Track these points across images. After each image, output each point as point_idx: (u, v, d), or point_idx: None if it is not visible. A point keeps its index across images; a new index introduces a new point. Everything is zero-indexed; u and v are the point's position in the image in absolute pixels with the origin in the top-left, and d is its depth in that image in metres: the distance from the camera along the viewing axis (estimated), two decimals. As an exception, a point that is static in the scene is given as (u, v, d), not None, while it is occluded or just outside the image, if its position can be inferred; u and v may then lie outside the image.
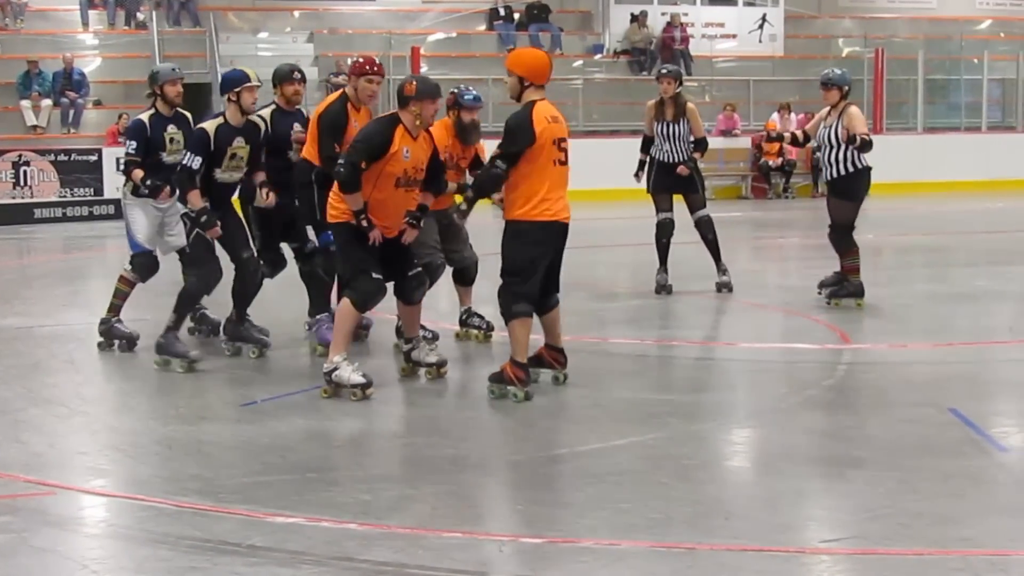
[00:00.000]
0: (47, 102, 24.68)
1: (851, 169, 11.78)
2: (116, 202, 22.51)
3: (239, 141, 9.63)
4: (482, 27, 30.19)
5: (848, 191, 11.92)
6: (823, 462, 7.26)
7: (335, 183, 8.54)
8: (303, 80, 10.31)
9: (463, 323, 10.59)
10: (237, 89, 9.58)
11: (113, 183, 23.06)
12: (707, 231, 12.83)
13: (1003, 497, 6.61)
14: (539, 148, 8.32)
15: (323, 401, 8.48)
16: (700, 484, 6.72)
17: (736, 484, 6.93)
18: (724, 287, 12.86)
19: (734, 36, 30.76)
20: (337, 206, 8.56)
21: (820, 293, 12.26)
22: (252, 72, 9.75)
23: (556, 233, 8.49)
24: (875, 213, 18.16)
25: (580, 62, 29.57)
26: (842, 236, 12.08)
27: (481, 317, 10.48)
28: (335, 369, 8.48)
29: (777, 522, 6.17)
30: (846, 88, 11.87)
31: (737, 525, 6.09)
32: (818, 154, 26.16)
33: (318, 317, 10.08)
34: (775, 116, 26.87)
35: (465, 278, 10.54)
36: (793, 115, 27.41)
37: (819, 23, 32.93)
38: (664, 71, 12.91)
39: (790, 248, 18.20)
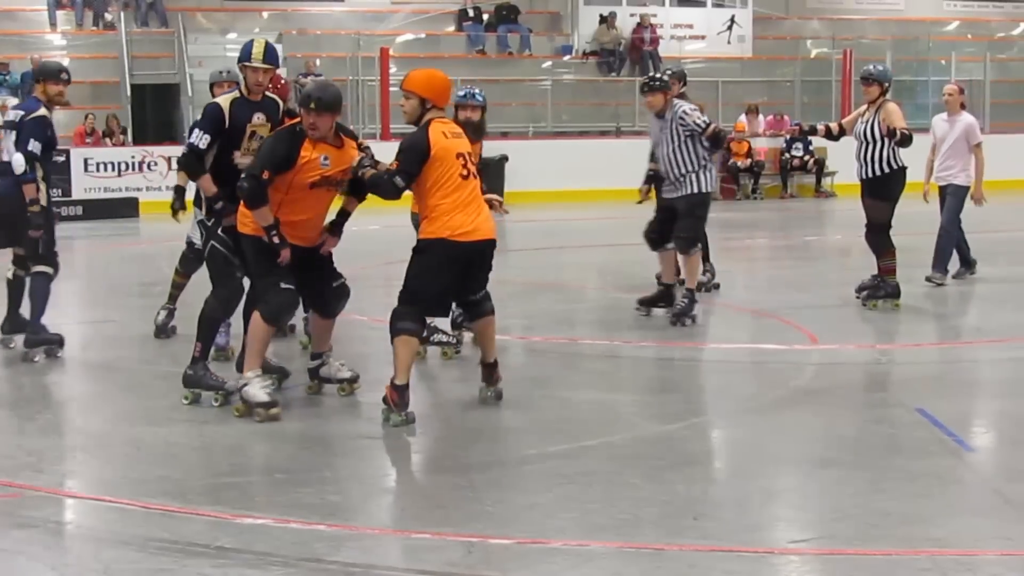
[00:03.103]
0: (15, 102, 24.52)
1: (887, 169, 11.80)
2: (84, 203, 22.53)
3: (259, 118, 8.52)
4: (451, 28, 30.19)
5: (885, 191, 11.93)
6: (792, 462, 7.28)
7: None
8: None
9: (430, 341, 9.98)
10: (240, 65, 8.56)
11: (81, 184, 23.03)
12: None
13: (970, 497, 6.64)
14: (437, 162, 7.85)
15: (293, 401, 8.45)
16: (669, 485, 6.73)
17: (705, 485, 6.93)
18: (702, 286, 12.91)
19: (703, 37, 30.82)
20: (248, 214, 8.08)
21: (858, 296, 12.25)
22: (260, 45, 8.53)
23: (467, 254, 7.98)
24: (843, 213, 18.23)
25: (549, 63, 29.60)
26: (879, 237, 12.07)
27: (446, 332, 10.05)
28: (246, 385, 8.04)
29: (746, 522, 6.18)
30: (887, 84, 11.89)
31: (706, 525, 6.10)
32: (812, 145, 26.44)
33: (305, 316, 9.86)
34: (743, 117, 26.94)
35: None
36: (761, 116, 27.51)
37: (787, 24, 33.03)
38: (669, 72, 12.85)
39: (758, 249, 18.24)
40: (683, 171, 11.31)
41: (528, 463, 7.24)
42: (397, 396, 7.85)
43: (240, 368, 8.38)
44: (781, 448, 7.61)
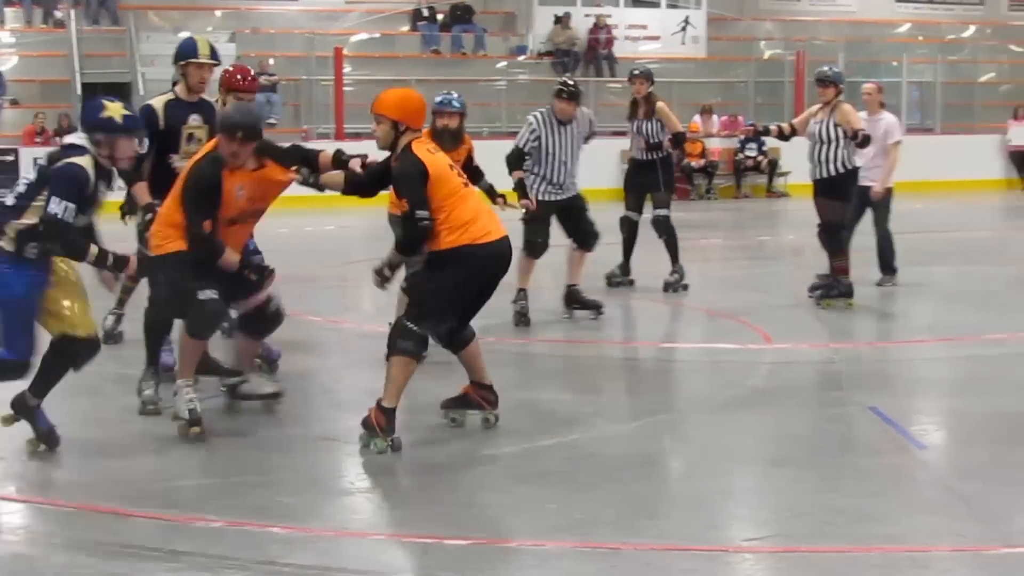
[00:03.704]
0: (-38, 101, 24.34)
1: (842, 170, 11.90)
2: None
3: (195, 119, 8.51)
4: (406, 28, 30.12)
5: (839, 191, 12.02)
6: (746, 461, 7.30)
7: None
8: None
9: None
10: (183, 63, 8.50)
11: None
12: (660, 231, 12.94)
13: (923, 494, 6.68)
14: (439, 181, 7.33)
15: (244, 404, 8.39)
16: (625, 484, 6.73)
17: (661, 484, 6.95)
18: (669, 287, 12.96)
19: (657, 38, 30.86)
20: (161, 234, 7.71)
21: (811, 296, 12.32)
22: (204, 42, 8.56)
23: (491, 258, 7.48)
24: (796, 213, 18.31)
25: (504, 63, 29.58)
26: (833, 236, 12.14)
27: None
28: (175, 393, 7.74)
29: (701, 521, 6.19)
30: (841, 86, 12.00)
31: (662, 524, 6.11)
32: (759, 145, 26.53)
33: None
34: (697, 118, 26.99)
35: None
36: (715, 117, 27.57)
37: (741, 25, 33.12)
38: (636, 72, 13.05)
39: (713, 249, 18.29)
40: (574, 174, 11.46)
41: (484, 464, 7.22)
42: (384, 420, 7.28)
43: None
44: (736, 447, 7.62)
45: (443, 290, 7.41)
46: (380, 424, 7.27)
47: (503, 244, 7.53)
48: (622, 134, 18.49)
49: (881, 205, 13.07)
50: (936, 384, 9.62)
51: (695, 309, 12.59)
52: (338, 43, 26.58)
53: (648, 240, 13.22)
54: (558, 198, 11.32)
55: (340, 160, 7.86)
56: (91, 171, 6.90)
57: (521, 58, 29.84)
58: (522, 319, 11.12)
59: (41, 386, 7.22)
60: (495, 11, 31.29)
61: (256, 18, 29.47)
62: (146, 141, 8.21)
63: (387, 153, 7.60)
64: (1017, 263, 16.17)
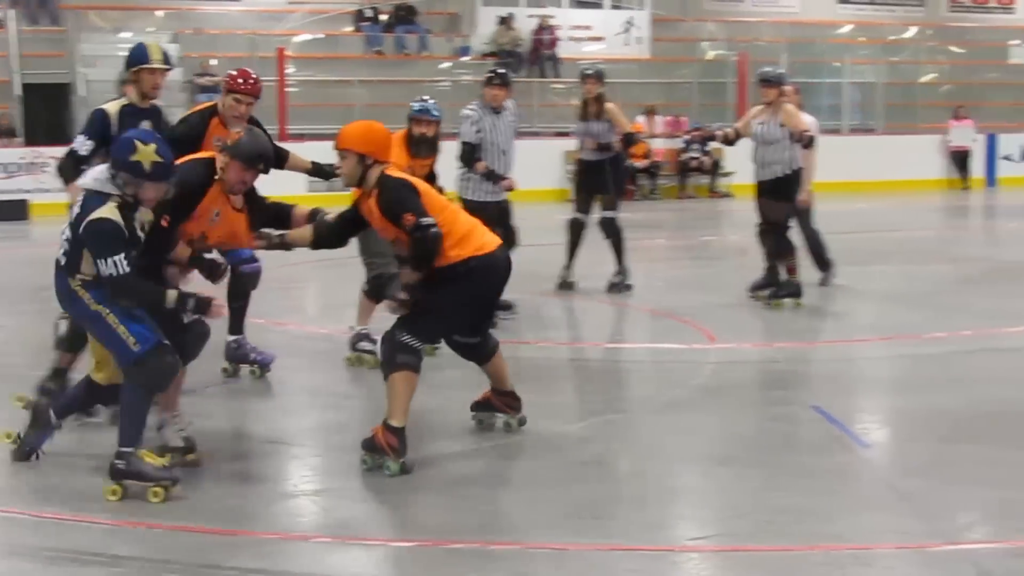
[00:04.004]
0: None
1: (789, 171, 12.01)
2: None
3: (145, 126, 8.00)
4: (349, 28, 30.03)
5: (785, 191, 12.14)
6: (691, 460, 7.32)
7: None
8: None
9: (355, 347, 9.71)
10: (135, 68, 8.15)
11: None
12: (607, 233, 12.95)
13: (866, 492, 6.72)
14: (426, 195, 7.10)
15: (185, 407, 8.32)
16: (570, 484, 6.73)
17: (606, 484, 6.94)
18: (614, 287, 12.97)
19: (601, 39, 30.90)
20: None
21: (753, 296, 12.37)
22: (155, 47, 8.22)
23: (495, 268, 7.29)
24: (740, 213, 18.37)
25: (447, 64, 29.55)
26: (780, 237, 12.21)
27: (374, 341, 9.39)
28: (160, 426, 7.18)
29: (646, 521, 6.20)
30: (784, 86, 12.11)
31: (607, 524, 6.11)
32: (702, 147, 26.63)
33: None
34: (641, 119, 27.05)
35: (381, 294, 9.49)
36: (659, 117, 27.64)
37: (684, 26, 33.23)
38: (588, 72, 13.07)
39: (657, 249, 18.32)
40: (512, 167, 11.45)
41: (429, 465, 7.19)
42: (396, 441, 6.92)
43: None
44: (680, 447, 7.64)
45: (451, 306, 7.17)
46: (392, 445, 6.91)
47: (503, 254, 7.36)
48: (565, 135, 18.53)
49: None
50: (878, 383, 9.68)
51: (640, 310, 12.62)
52: (281, 44, 26.47)
53: (594, 241, 13.23)
54: (496, 199, 11.29)
55: (314, 215, 7.53)
56: (118, 218, 6.47)
57: (465, 59, 29.81)
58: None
59: (65, 409, 7.25)
60: (438, 12, 31.25)
61: (198, 18, 29.29)
62: (90, 143, 8.04)
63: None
64: (958, 262, 16.31)
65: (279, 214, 7.65)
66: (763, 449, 7.49)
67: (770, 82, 12.04)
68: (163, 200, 6.75)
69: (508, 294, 11.79)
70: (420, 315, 7.09)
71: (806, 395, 8.77)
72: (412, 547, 5.82)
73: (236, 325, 9.23)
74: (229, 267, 7.76)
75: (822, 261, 13.37)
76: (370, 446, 7.00)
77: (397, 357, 7.00)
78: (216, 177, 7.21)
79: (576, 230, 13.08)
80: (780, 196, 12.09)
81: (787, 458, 7.30)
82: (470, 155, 11.23)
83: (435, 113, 9.79)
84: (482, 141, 11.26)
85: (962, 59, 34.68)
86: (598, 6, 31.32)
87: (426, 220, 6.93)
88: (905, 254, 16.96)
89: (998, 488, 6.66)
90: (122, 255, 6.41)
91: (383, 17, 29.74)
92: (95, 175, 6.63)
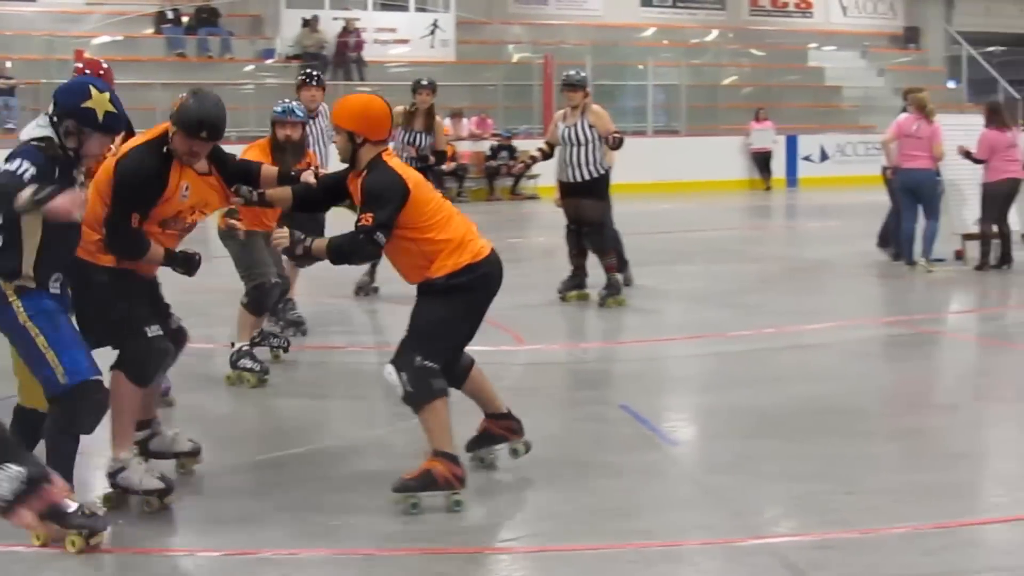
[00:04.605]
0: None
1: (598, 172, 12.15)
2: None
3: None
4: (149, 30, 29.53)
5: (598, 191, 12.27)
6: (500, 462, 7.30)
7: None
8: None
9: (235, 364, 9.13)
10: None
11: None
12: None
13: (674, 490, 6.80)
14: (420, 196, 6.54)
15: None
16: (379, 488, 6.66)
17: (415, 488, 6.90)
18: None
19: (406, 42, 30.89)
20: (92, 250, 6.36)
21: (563, 297, 12.46)
22: None
23: (492, 275, 6.76)
24: (547, 216, 18.49)
25: (251, 67, 29.27)
26: (597, 236, 12.31)
27: (256, 359, 9.13)
28: (122, 469, 6.36)
29: (457, 524, 6.18)
30: (588, 88, 12.27)
31: (417, 528, 6.08)
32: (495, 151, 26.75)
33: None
34: (447, 121, 27.07)
35: (263, 306, 9.26)
36: (465, 120, 27.73)
37: (490, 29, 33.37)
38: (424, 83, 12.64)
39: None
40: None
41: (238, 472, 7.10)
42: (459, 469, 6.43)
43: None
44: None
45: (454, 319, 6.67)
46: (457, 475, 6.39)
47: (497, 258, 6.83)
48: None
49: None
50: (685, 381, 9.81)
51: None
52: (79, 45, 25.86)
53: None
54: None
55: (286, 175, 6.98)
56: (46, 157, 5.73)
57: (269, 61, 29.55)
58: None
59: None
60: (241, 14, 30.91)
61: (-8, 19, 28.57)
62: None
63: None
64: (760, 261, 16.66)
65: (246, 173, 6.95)
66: (573, 449, 7.52)
67: (575, 86, 12.15)
68: (139, 202, 6.26)
69: (308, 298, 11.72)
70: (427, 334, 6.58)
71: (614, 394, 8.84)
72: (218, 556, 5.72)
73: None
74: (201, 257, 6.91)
75: (620, 261, 13.54)
76: (425, 484, 6.38)
77: (433, 384, 6.48)
78: (165, 150, 6.39)
79: None
80: (594, 196, 12.21)
81: (596, 457, 7.34)
82: None
83: (300, 114, 9.58)
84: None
85: (762, 62, 35.46)
86: (403, 9, 31.29)
87: (380, 236, 6.37)
88: (709, 254, 17.25)
89: (802, 482, 6.79)
90: (34, 170, 5.59)
91: (185, 19, 29.29)
92: (33, 128, 5.89)
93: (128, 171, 6.31)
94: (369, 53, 29.71)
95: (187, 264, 6.58)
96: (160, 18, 29.20)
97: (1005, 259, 14.96)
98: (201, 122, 6.30)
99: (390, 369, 6.51)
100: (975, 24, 39.02)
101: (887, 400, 9.02)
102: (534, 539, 5.98)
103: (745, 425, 8.05)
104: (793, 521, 6.32)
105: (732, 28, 36.38)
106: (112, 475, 6.34)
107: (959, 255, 15.49)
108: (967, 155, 14.86)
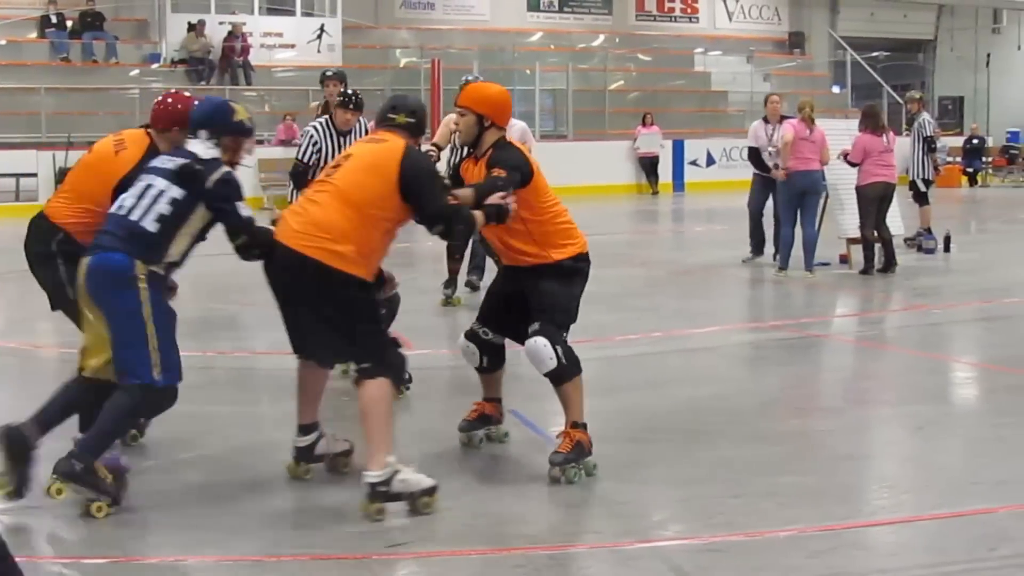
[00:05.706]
0: None
1: None
2: None
3: None
4: (33, 35, 29.15)
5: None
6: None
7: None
8: None
9: None
10: None
11: None
12: None
13: (561, 494, 6.82)
14: (543, 185, 7.27)
15: None
16: (268, 495, 6.67)
17: (301, 492, 6.88)
18: None
19: (293, 46, 30.77)
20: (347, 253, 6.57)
21: (450, 303, 12.60)
22: None
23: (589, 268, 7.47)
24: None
25: (137, 71, 28.98)
26: (466, 242, 12.39)
27: None
28: (396, 473, 6.37)
29: (345, 530, 6.17)
30: None
31: (308, 535, 6.07)
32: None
33: None
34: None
35: None
36: (354, 124, 27.62)
37: (377, 33, 33.34)
38: (329, 74, 11.90)
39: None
40: None
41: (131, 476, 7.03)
42: (589, 438, 7.06)
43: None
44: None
45: (576, 299, 7.33)
46: (590, 444, 7.03)
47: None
48: (260, 142, 18.31)
49: None
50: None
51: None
52: (-40, 50, 25.56)
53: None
54: None
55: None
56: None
57: (155, 66, 29.31)
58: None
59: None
60: (127, 18, 30.62)
61: None
62: None
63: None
64: (647, 265, 16.80)
65: None
66: (460, 454, 7.54)
67: None
68: None
69: (222, 303, 11.63)
70: (567, 310, 7.24)
71: (504, 399, 8.85)
72: (103, 564, 5.67)
73: None
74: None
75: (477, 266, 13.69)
76: (578, 454, 6.94)
77: (576, 362, 7.10)
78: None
79: None
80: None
81: (484, 463, 7.37)
82: (301, 176, 10.37)
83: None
84: (317, 162, 10.39)
85: (649, 67, 35.76)
86: (290, 13, 31.17)
87: (508, 203, 6.84)
88: (596, 258, 16.99)
89: (689, 486, 6.87)
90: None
91: (69, 23, 28.93)
92: (201, 145, 6.52)
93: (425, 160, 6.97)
94: (256, 58, 29.56)
95: (499, 215, 6.91)
96: (44, 22, 28.82)
97: (889, 263, 15.22)
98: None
99: (543, 342, 6.92)
100: (859, 30, 39.72)
101: (772, 403, 9.11)
102: (421, 544, 5.99)
103: (632, 429, 8.13)
104: (680, 524, 6.39)
105: (618, 33, 36.65)
106: (386, 482, 6.32)
107: (843, 259, 15.73)
108: (845, 158, 15.13)
